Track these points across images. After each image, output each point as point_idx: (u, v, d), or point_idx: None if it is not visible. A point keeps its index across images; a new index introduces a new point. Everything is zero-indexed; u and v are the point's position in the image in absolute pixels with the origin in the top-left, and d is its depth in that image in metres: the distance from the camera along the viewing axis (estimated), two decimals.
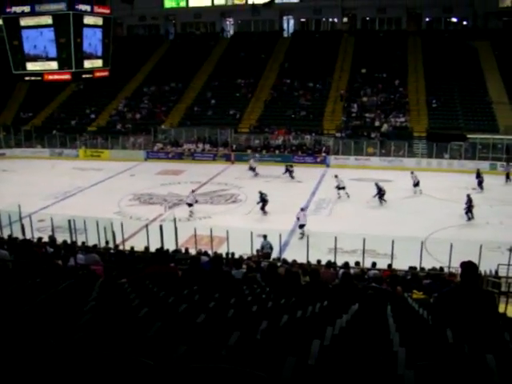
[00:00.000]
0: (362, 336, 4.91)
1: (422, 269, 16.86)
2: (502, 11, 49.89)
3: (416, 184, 31.20)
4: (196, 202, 27.95)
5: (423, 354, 4.00)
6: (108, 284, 8.70)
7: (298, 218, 24.40)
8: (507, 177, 34.30)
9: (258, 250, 19.46)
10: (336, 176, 30.97)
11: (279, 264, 15.85)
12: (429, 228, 23.94)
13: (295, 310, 6.64)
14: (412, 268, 16.52)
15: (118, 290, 7.91)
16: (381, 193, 28.71)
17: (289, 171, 35.19)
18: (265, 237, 20.36)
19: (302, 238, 23.42)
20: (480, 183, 32.03)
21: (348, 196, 30.11)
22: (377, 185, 29.10)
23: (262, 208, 27.24)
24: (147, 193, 31.71)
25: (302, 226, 24.18)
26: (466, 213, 25.96)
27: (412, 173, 32.07)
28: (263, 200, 27.29)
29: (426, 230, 23.36)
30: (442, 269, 16.90)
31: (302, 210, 24.84)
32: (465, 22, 53.91)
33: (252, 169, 36.44)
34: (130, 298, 6.56)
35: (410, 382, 3.19)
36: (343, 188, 30.24)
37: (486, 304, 5.83)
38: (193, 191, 28.13)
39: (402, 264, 17.10)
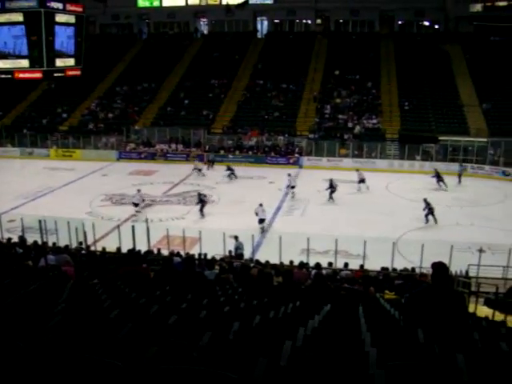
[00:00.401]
0: (334, 336, 4.92)
1: (394, 269, 17.03)
2: (472, 16, 50.47)
3: (361, 181, 31.83)
4: (143, 201, 28.03)
5: (394, 353, 4.02)
6: (79, 285, 8.62)
7: (257, 213, 24.91)
8: (459, 177, 34.82)
9: (230, 251, 19.42)
10: (289, 175, 31.64)
11: (252, 265, 15.87)
12: (400, 229, 24.17)
13: (268, 311, 6.64)
14: (384, 268, 16.66)
15: (90, 291, 7.84)
16: (331, 189, 29.69)
17: (231, 171, 35.36)
18: (236, 238, 20.33)
19: (262, 232, 24.51)
20: (439, 182, 32.71)
21: (293, 196, 30.80)
22: (331, 181, 30.02)
23: (201, 209, 27.29)
24: (119, 193, 31.47)
25: (261, 221, 24.91)
26: (426, 215, 25.82)
27: (357, 170, 32.80)
28: (202, 201, 27.42)
29: (398, 231, 23.58)
30: (413, 269, 17.05)
31: (261, 205, 25.18)
32: (436, 26, 54.64)
33: (197, 169, 36.77)
34: (102, 299, 6.50)
35: (380, 381, 3.21)
36: (293, 187, 30.93)
37: (456, 304, 5.89)
38: (138, 191, 28.08)
39: (374, 264, 17.25)
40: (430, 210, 25.73)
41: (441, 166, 36.96)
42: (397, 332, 5.49)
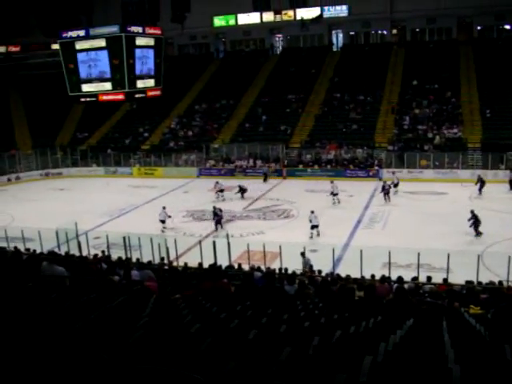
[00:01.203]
0: (417, 352, 4.82)
1: (479, 283, 16.45)
2: None
3: (334, 194, 31.71)
4: (169, 217, 27.88)
5: (480, 371, 3.90)
6: (162, 300, 8.79)
7: (310, 220, 25.71)
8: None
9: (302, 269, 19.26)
10: (332, 182, 32.35)
11: (329, 279, 15.72)
12: (485, 241, 23.41)
13: (349, 326, 6.57)
14: (468, 282, 16.13)
15: (172, 306, 7.99)
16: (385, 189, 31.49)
17: (241, 190, 34.71)
18: (303, 254, 20.15)
19: (311, 237, 25.47)
20: (480, 188, 32.39)
21: (339, 202, 31.66)
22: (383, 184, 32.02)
23: (216, 223, 27.74)
24: (200, 209, 31.96)
25: (313, 227, 25.67)
26: (475, 228, 24.81)
27: (332, 182, 32.57)
28: (216, 215, 27.79)
29: (483, 243, 22.84)
30: (500, 283, 16.44)
31: (312, 212, 25.87)
32: None
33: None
34: (183, 314, 6.62)
35: None
36: (336, 194, 31.69)
37: None
38: (164, 208, 28.07)
39: (458, 278, 16.74)
40: (475, 222, 24.71)
41: None
42: (482, 348, 5.32)
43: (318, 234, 25.77)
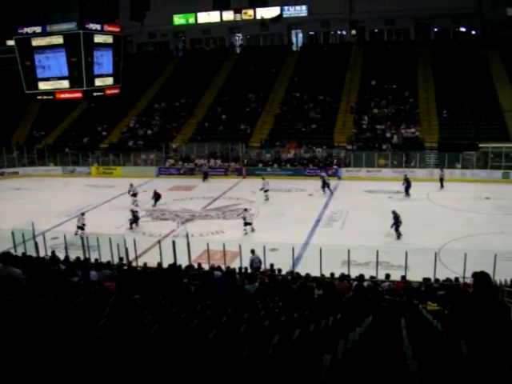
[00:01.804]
0: (375, 349, 4.87)
1: (437, 280, 16.73)
2: (510, 20, 49.73)
3: (265, 190, 32.97)
4: (84, 225, 26.77)
5: (436, 366, 3.96)
6: (121, 300, 8.70)
7: (245, 218, 26.85)
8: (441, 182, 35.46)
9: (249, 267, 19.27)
10: (263, 178, 33.72)
11: (289, 277, 15.78)
12: (442, 239, 23.78)
13: (308, 324, 6.61)
14: (426, 279, 16.39)
15: (131, 307, 7.92)
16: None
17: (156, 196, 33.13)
18: (253, 251, 20.21)
19: (246, 233, 26.37)
20: (407, 189, 32.53)
21: (267, 199, 32.85)
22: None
23: (132, 223, 27.87)
24: (160, 209, 31.78)
25: (246, 224, 26.62)
26: (396, 229, 25.02)
27: (263, 179, 33.77)
28: (135, 217, 28.00)
29: (440, 241, 23.21)
30: (456, 279, 16.74)
31: (246, 210, 27.57)
32: (473, 32, 53.78)
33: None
34: (143, 314, 6.56)
35: None
36: (267, 191, 32.98)
37: (500, 314, 5.77)
38: (82, 214, 27.56)
39: (415, 275, 16.99)
40: (396, 223, 24.97)
41: (482, 174, 36.61)
42: (439, 344, 5.40)
43: (253, 230, 26.57)
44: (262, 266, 19.29)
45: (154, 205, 32.05)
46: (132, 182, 33.99)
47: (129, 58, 51.48)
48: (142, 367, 3.35)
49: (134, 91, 48.82)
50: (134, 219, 27.86)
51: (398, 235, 24.87)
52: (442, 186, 35.12)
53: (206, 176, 41.22)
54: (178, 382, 3.12)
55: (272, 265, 19.01)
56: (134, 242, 20.33)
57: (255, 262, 19.83)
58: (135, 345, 4.13)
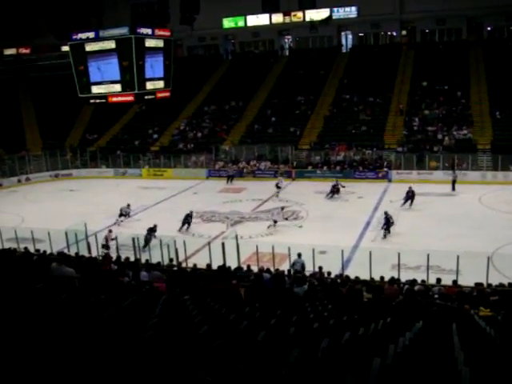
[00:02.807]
0: (426, 354, 4.81)
1: (489, 285, 16.37)
2: None
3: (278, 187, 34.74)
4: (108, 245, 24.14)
5: (489, 373, 3.88)
6: (171, 301, 8.80)
7: (272, 214, 28.51)
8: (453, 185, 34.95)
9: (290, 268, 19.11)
10: (281, 175, 35.39)
11: (338, 280, 15.70)
12: (495, 243, 23.27)
13: (358, 327, 6.56)
14: (478, 284, 16.06)
15: (181, 307, 8.00)
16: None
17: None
18: (299, 255, 20.00)
19: (269, 227, 27.54)
20: (410, 200, 30.66)
21: (277, 196, 34.46)
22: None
23: (187, 228, 28.03)
24: (209, 210, 31.98)
25: (275, 222, 27.75)
26: (386, 229, 25.38)
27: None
28: (187, 221, 28.08)
29: (492, 245, 22.71)
30: (510, 285, 16.36)
31: (282, 209, 29.47)
32: None
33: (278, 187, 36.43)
34: (192, 315, 6.62)
35: None
36: (279, 187, 34.93)
37: None
38: (110, 231, 24.93)
39: (467, 280, 16.67)
40: (387, 223, 25.26)
41: None
42: (492, 350, 5.29)
43: (274, 225, 27.59)
44: (311, 269, 19.17)
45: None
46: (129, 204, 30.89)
47: (179, 61, 51.99)
48: (192, 367, 3.38)
49: (184, 94, 49.37)
50: (185, 222, 28.05)
51: (385, 235, 25.41)
52: (453, 188, 34.53)
53: (231, 179, 41.22)
54: (226, 382, 3.14)
55: (321, 267, 18.90)
56: (184, 243, 20.51)
57: (296, 265, 19.64)
58: (185, 345, 4.18)
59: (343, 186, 34.50)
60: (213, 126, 49.93)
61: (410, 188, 30.91)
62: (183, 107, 52.55)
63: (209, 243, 21.40)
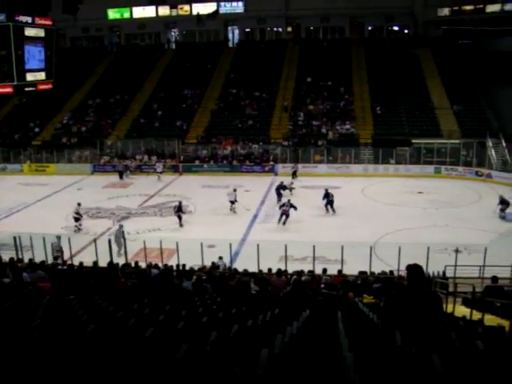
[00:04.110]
0: (312, 342, 4.92)
1: (372, 273, 17.07)
2: (440, 20, 51.26)
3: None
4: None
5: (372, 357, 4.03)
6: (55, 301, 8.51)
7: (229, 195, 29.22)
8: (294, 175, 37.86)
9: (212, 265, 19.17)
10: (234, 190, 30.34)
11: (226, 274, 15.80)
12: (377, 233, 24.30)
13: (246, 319, 6.62)
14: (362, 273, 16.71)
15: (66, 307, 7.75)
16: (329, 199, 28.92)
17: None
18: (221, 258, 20.08)
19: (231, 210, 29.05)
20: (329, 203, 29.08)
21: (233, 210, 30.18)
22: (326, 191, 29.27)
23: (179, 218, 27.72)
24: (95, 207, 31.21)
25: (232, 202, 29.10)
26: (326, 205, 28.61)
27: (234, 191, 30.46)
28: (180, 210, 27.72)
29: (375, 235, 23.70)
30: (391, 272, 17.13)
31: (235, 190, 29.75)
32: (406, 31, 55.33)
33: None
34: (78, 314, 6.43)
35: None
36: (233, 202, 29.83)
37: (432, 305, 5.93)
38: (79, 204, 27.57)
39: (352, 269, 17.29)
40: (329, 201, 28.40)
41: (415, 169, 37.53)
42: (375, 335, 5.50)
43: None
44: (200, 263, 19.18)
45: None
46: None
47: (62, 52, 50.39)
48: (78, 367, 3.29)
49: (67, 87, 47.66)
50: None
51: (332, 210, 28.54)
52: (293, 177, 37.12)
53: (122, 174, 40.48)
54: (112, 381, 3.07)
55: (214, 263, 18.95)
56: (69, 240, 19.96)
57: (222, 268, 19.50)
58: (71, 345, 4.05)
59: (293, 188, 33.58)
60: (97, 119, 48.63)
61: (327, 190, 29.26)
62: (66, 100, 50.78)
63: (95, 240, 20.92)
